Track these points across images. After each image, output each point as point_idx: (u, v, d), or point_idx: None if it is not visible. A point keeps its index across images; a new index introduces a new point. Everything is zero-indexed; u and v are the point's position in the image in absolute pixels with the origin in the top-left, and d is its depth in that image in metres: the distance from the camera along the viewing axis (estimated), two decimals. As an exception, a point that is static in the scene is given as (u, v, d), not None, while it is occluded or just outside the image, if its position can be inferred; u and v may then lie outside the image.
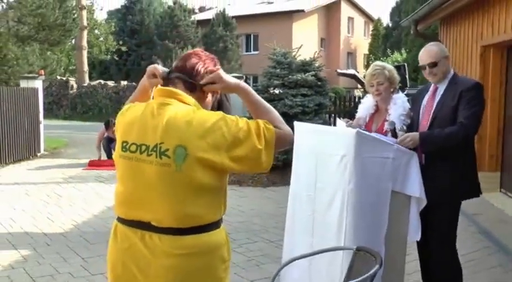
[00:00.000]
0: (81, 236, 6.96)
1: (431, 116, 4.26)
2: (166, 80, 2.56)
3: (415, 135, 4.08)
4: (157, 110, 2.40)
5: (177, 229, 2.34)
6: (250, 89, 2.70)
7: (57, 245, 6.59)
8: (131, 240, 2.43)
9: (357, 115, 4.80)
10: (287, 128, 2.57)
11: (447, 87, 4.23)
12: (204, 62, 2.55)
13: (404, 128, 4.36)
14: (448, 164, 4.15)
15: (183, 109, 2.39)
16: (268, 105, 2.68)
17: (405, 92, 4.81)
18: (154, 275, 2.36)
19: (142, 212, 2.39)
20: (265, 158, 2.43)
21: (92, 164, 12.72)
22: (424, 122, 4.31)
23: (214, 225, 2.43)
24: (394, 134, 4.20)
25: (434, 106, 4.26)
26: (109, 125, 13.13)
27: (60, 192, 9.85)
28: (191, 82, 2.50)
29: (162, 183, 2.33)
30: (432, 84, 4.37)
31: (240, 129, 2.39)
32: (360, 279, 3.00)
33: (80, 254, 6.20)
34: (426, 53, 4.30)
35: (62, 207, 8.64)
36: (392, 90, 4.53)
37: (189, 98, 2.48)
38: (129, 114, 2.52)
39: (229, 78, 2.64)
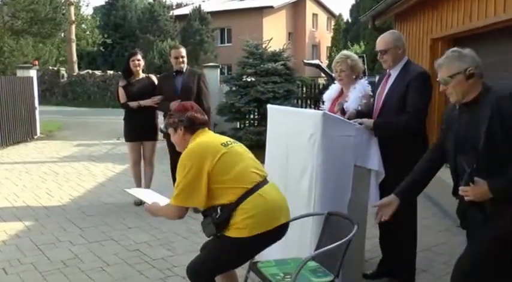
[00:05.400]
0: (78, 209, 7.00)
1: (382, 101, 4.28)
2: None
3: (370, 122, 4.14)
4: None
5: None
6: None
7: (57, 216, 6.64)
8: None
9: (324, 99, 4.93)
10: None
11: (399, 73, 4.20)
12: None
13: (359, 108, 4.43)
14: (402, 147, 4.15)
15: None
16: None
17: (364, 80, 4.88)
18: None
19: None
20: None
21: None
22: (378, 106, 4.34)
23: None
24: (344, 113, 4.34)
25: (385, 92, 4.27)
26: None
27: (57, 170, 9.84)
28: None
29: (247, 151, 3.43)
30: (387, 71, 4.36)
31: None
32: (347, 238, 3.29)
33: (77, 225, 6.27)
34: (380, 40, 4.29)
35: (59, 183, 8.65)
36: (355, 76, 4.64)
37: None
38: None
39: None
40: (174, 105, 6.54)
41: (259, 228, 3.15)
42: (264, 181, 3.32)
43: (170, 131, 3.49)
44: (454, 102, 3.06)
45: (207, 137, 3.41)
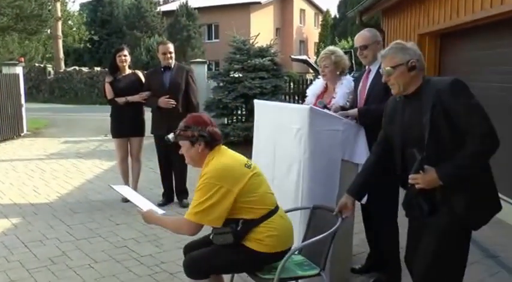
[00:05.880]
0: (65, 206, 6.97)
1: (365, 96, 4.32)
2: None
3: (354, 111, 4.22)
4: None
5: None
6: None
7: (44, 214, 6.60)
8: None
9: (307, 94, 4.92)
10: None
11: (379, 68, 4.14)
12: None
13: (347, 104, 4.45)
14: None
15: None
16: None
17: (352, 74, 4.89)
18: None
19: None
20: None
21: None
22: (361, 101, 4.36)
23: None
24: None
25: (368, 87, 4.31)
26: None
27: (44, 167, 9.79)
28: None
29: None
30: (366, 67, 4.45)
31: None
32: (331, 231, 3.32)
33: (65, 222, 6.24)
34: (359, 37, 4.40)
35: (46, 180, 8.61)
36: (339, 72, 4.62)
37: None
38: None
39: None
40: (162, 101, 6.55)
41: (278, 247, 3.26)
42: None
43: (183, 143, 3.35)
44: (395, 93, 3.17)
45: (230, 158, 3.36)
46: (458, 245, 3.04)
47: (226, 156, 3.35)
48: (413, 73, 3.03)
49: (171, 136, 3.40)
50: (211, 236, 3.34)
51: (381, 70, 3.21)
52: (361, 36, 4.39)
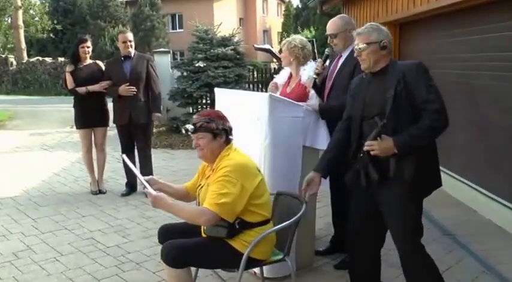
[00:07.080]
0: (30, 199, 6.82)
1: (332, 80, 4.31)
2: None
3: (314, 106, 4.22)
4: None
5: None
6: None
7: (8, 208, 6.44)
8: None
9: (276, 81, 4.89)
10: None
11: (348, 55, 4.23)
12: None
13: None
14: None
15: None
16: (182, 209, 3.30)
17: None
18: None
19: None
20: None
21: None
22: (328, 84, 4.35)
23: None
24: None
25: (336, 71, 4.30)
26: None
27: (8, 160, 9.56)
28: None
29: None
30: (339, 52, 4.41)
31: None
32: (295, 218, 3.34)
33: (30, 216, 6.10)
34: (330, 24, 4.34)
35: (10, 173, 8.40)
36: (292, 59, 4.56)
37: None
38: None
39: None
40: (122, 89, 6.48)
41: (260, 254, 3.30)
42: None
43: (204, 135, 3.32)
44: (364, 68, 3.34)
45: (244, 157, 3.37)
46: (418, 201, 3.26)
47: (242, 154, 3.38)
48: (384, 52, 3.26)
49: (190, 127, 3.35)
50: (204, 227, 3.31)
51: (354, 47, 3.38)
52: (332, 24, 4.34)
